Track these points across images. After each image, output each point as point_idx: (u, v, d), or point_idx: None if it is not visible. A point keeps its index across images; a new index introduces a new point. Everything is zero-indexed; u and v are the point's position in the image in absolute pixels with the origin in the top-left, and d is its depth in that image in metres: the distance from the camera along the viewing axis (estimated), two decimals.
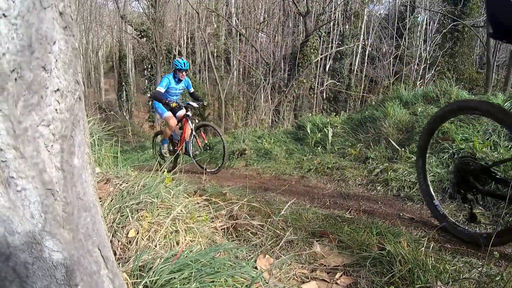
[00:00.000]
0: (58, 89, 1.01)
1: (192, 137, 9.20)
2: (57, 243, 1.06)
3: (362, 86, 32.12)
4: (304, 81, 22.88)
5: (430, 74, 28.55)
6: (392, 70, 30.14)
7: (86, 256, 1.19)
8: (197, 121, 9.88)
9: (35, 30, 0.92)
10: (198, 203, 3.68)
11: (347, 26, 33.35)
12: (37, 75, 0.94)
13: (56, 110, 1.01)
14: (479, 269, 2.80)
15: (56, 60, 1.00)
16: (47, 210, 1.01)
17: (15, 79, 0.89)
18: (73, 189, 1.12)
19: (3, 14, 0.86)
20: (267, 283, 2.53)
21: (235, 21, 33.86)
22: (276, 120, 20.01)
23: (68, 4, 1.06)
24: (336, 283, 2.68)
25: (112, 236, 2.71)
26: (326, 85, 31.53)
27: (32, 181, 0.97)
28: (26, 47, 0.90)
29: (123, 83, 42.26)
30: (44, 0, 0.94)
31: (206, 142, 9.42)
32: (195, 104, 9.15)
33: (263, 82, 23.10)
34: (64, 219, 1.07)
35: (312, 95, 29.93)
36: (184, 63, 9.05)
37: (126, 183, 3.48)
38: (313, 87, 28.89)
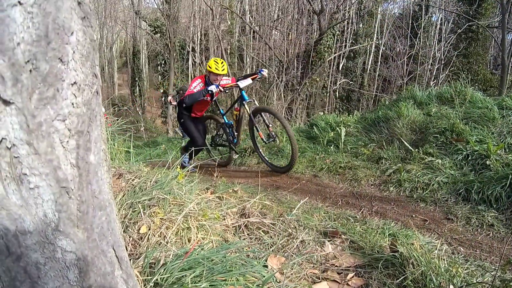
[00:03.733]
0: (75, 82, 0.99)
1: None
2: (70, 243, 1.03)
3: (376, 86, 32.04)
4: (317, 79, 22.89)
5: (444, 74, 28.42)
6: (406, 69, 30.01)
7: (100, 256, 1.17)
8: None
9: (52, 19, 0.89)
10: (210, 200, 3.68)
11: (361, 25, 33.25)
12: (53, 66, 0.91)
13: (72, 104, 0.98)
14: (492, 273, 2.77)
15: (74, 52, 0.97)
16: (61, 209, 0.99)
17: (30, 71, 0.86)
18: (89, 187, 1.09)
19: (19, 2, 0.83)
20: (279, 283, 2.51)
21: (249, 19, 33.82)
22: (289, 118, 19.99)
23: None
24: (348, 284, 2.66)
25: (123, 231, 2.70)
26: (339, 84, 31.50)
27: (46, 178, 0.94)
28: (42, 37, 0.87)
29: (137, 79, 42.53)
30: None
31: None
32: None
33: (276, 80, 23.08)
34: (78, 218, 1.05)
35: (325, 94, 29.93)
36: None
37: (139, 179, 3.49)
38: (326, 85, 28.90)
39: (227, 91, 7.91)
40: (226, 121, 8.43)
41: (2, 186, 0.88)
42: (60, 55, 0.92)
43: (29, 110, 0.87)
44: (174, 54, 32.57)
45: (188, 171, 4.16)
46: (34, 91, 0.87)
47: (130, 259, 2.27)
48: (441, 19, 31.75)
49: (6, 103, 0.83)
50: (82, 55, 1.01)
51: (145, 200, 3.07)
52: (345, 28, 32.18)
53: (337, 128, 8.85)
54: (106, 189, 1.21)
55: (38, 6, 0.86)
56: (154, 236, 2.73)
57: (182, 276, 2.17)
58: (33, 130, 0.88)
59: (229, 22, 36.14)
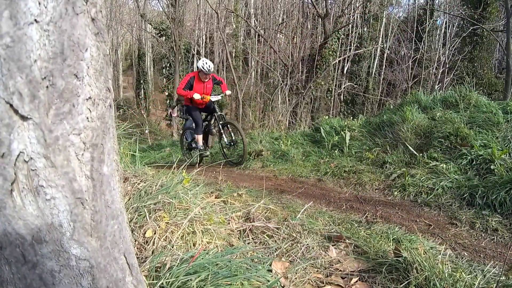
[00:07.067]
0: (89, 97, 1.01)
1: None
2: (84, 251, 1.06)
3: (380, 89, 31.92)
4: (322, 83, 22.82)
5: (449, 78, 28.34)
6: (411, 73, 29.92)
7: (112, 263, 1.19)
8: None
9: (68, 36, 0.92)
10: (215, 204, 3.70)
11: (365, 29, 33.17)
12: (69, 83, 0.93)
13: (87, 118, 1.01)
14: (496, 278, 2.78)
15: (88, 67, 1.00)
16: (76, 219, 1.01)
17: (47, 87, 0.88)
18: (102, 197, 1.12)
19: (35, 20, 0.85)
20: (283, 287, 2.53)
21: (254, 22, 33.80)
22: (293, 121, 19.95)
23: (100, 9, 1.06)
24: None
25: None
26: (344, 87, 31.44)
27: (62, 190, 0.96)
28: (58, 54, 0.90)
29: (142, 81, 42.54)
30: (77, 5, 0.93)
31: None
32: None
33: (281, 83, 23.07)
34: (92, 227, 1.07)
35: (330, 98, 29.85)
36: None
37: (144, 182, 3.51)
38: (330, 89, 28.80)
39: None
40: None
41: (19, 197, 0.91)
42: (76, 71, 0.95)
43: (46, 125, 0.89)
44: (179, 57, 32.58)
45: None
46: (51, 106, 0.90)
47: None
48: (446, 23, 31.65)
49: (24, 118, 0.85)
50: (96, 70, 1.03)
51: (150, 204, 3.09)
52: (350, 32, 32.09)
53: (342, 132, 8.85)
54: (118, 198, 1.23)
55: (54, 24, 0.88)
56: (160, 240, 2.75)
57: (188, 280, 2.19)
58: (50, 144, 0.91)
59: (234, 26, 36.14)
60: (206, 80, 9.05)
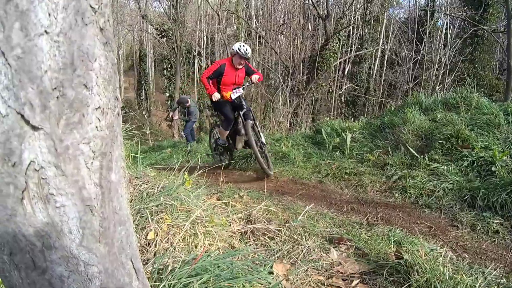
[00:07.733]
0: (99, 107, 1.02)
1: None
2: (93, 257, 1.08)
3: (381, 91, 31.88)
4: (323, 84, 22.85)
5: (450, 79, 28.32)
6: (412, 75, 29.92)
7: (120, 268, 1.21)
8: None
9: (77, 47, 0.93)
10: (216, 206, 3.70)
11: (366, 30, 33.15)
12: (78, 93, 0.94)
13: (96, 127, 1.02)
14: (497, 281, 2.79)
15: (97, 77, 1.01)
16: (85, 226, 1.03)
17: (57, 97, 0.89)
18: (110, 204, 1.13)
19: (45, 31, 0.86)
20: None
21: (255, 23, 33.78)
22: (294, 123, 19.95)
23: (108, 19, 1.07)
24: None
25: None
26: (345, 89, 31.39)
27: (71, 198, 0.98)
28: (68, 64, 0.91)
29: (143, 82, 42.41)
30: (86, 16, 0.95)
31: None
32: None
33: (282, 85, 23.09)
34: (100, 233, 1.09)
35: (331, 99, 29.83)
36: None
37: (146, 184, 3.52)
38: (331, 90, 28.78)
39: None
40: None
41: (30, 205, 0.92)
42: (85, 82, 0.96)
43: (57, 134, 0.91)
44: (181, 58, 32.55)
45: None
46: (61, 116, 0.91)
47: None
48: (447, 24, 31.62)
49: (35, 128, 0.87)
50: (104, 79, 1.04)
51: (152, 206, 3.10)
52: (351, 33, 32.05)
53: (343, 134, 8.85)
54: (125, 204, 1.25)
55: (64, 35, 0.89)
56: (162, 242, 2.76)
57: (190, 282, 2.20)
58: (61, 153, 0.92)
59: (235, 27, 36.10)
60: (240, 67, 7.57)
